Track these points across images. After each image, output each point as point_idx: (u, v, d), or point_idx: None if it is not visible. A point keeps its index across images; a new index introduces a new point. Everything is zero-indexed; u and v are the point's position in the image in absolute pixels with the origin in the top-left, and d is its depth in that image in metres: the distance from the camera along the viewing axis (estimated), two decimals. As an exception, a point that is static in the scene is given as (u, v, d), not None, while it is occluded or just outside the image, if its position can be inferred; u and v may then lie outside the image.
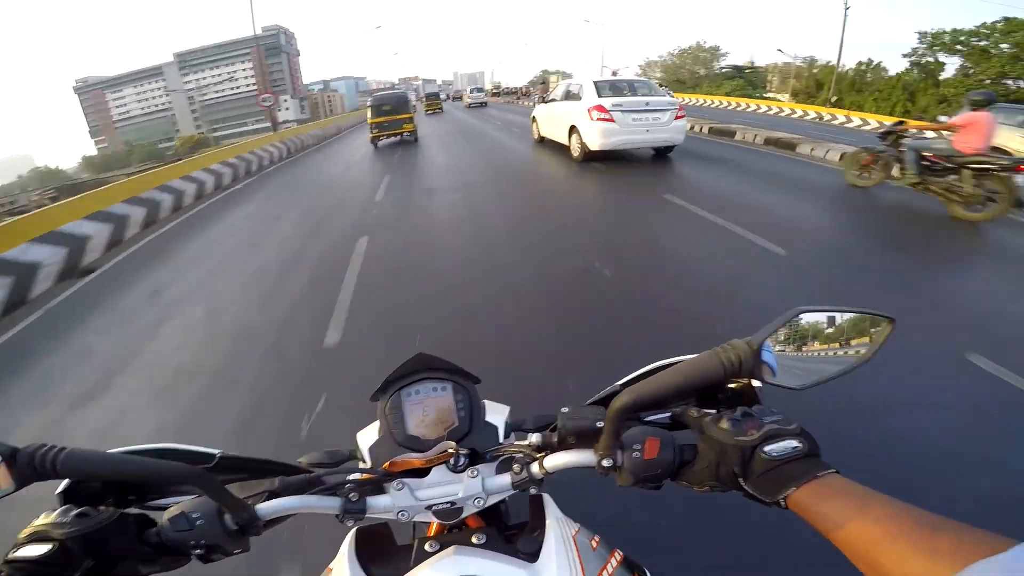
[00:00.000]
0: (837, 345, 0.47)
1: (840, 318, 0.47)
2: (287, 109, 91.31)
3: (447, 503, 0.54)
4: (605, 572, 0.51)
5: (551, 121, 9.19)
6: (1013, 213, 4.26)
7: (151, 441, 0.54)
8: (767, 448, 0.42)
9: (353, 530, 0.57)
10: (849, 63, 33.13)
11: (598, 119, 7.23)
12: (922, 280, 3.38)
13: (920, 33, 26.44)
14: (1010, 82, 22.59)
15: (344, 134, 20.13)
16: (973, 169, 4.31)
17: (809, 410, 0.64)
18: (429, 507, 0.54)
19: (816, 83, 34.59)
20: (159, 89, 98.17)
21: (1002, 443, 1.90)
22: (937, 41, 26.01)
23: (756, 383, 0.49)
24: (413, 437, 0.57)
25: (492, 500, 0.55)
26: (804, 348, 0.46)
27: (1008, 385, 2.19)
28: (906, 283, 3.29)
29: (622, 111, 7.19)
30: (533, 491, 0.54)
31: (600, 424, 0.49)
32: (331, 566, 0.55)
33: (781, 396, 0.43)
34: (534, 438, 0.54)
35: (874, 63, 32.45)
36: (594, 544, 0.55)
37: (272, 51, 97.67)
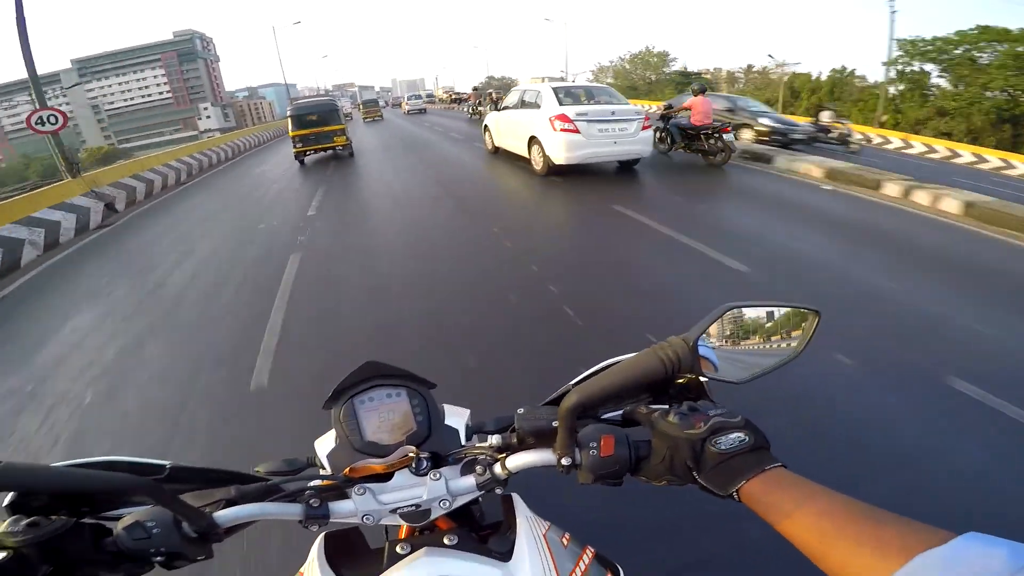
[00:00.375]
0: (770, 339, 0.52)
1: (769, 313, 0.52)
2: (208, 118, 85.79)
3: (412, 506, 0.55)
4: (578, 569, 0.54)
5: (507, 131, 8.49)
6: (736, 158, 7.98)
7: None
8: (716, 441, 0.44)
9: (322, 535, 0.59)
10: (823, 70, 33.31)
11: (561, 129, 6.61)
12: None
13: (899, 40, 25.43)
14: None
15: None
16: (705, 134, 7.51)
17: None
18: (395, 510, 0.55)
19: (791, 91, 34.07)
20: (56, 98, 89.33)
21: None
22: (916, 50, 25.56)
23: (703, 378, 0.51)
24: (372, 443, 0.58)
25: (459, 502, 0.56)
26: (740, 343, 0.51)
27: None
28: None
29: (587, 121, 6.61)
30: (499, 491, 0.56)
31: (555, 424, 0.51)
32: (302, 570, 0.57)
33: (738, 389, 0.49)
34: (494, 439, 0.57)
35: (848, 71, 32.72)
36: (565, 541, 0.58)
37: (187, 57, 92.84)
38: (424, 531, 0.61)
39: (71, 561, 0.45)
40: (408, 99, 36.72)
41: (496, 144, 9.43)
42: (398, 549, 0.55)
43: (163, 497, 0.44)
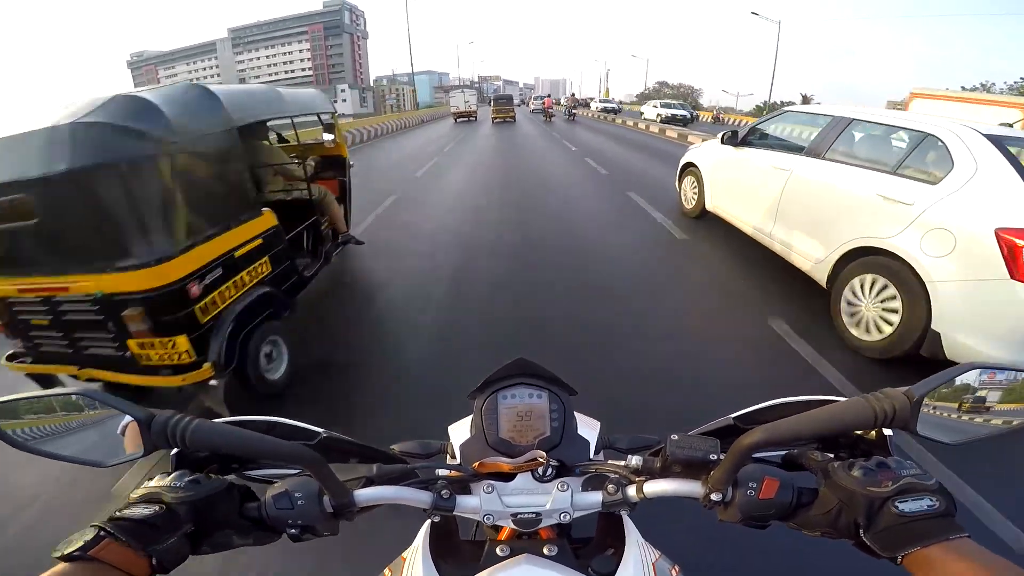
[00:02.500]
0: (1000, 406, 0.51)
1: (1011, 377, 0.51)
2: (343, 101, 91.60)
3: (532, 513, 0.61)
4: None
5: (760, 197, 4.40)
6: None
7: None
8: (900, 503, 0.46)
9: (428, 522, 0.68)
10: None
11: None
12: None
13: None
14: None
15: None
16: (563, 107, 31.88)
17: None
18: (515, 514, 0.61)
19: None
20: (212, 68, 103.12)
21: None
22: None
23: (888, 432, 0.56)
24: (504, 441, 0.66)
25: (577, 515, 0.62)
26: (963, 401, 0.50)
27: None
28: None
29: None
30: (625, 512, 0.64)
31: (713, 457, 0.54)
32: (404, 555, 0.66)
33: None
34: (634, 460, 0.60)
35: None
36: (674, 573, 0.63)
37: (333, 30, 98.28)
38: (523, 536, 0.66)
39: (212, 523, 0.54)
40: (534, 99, 53.62)
41: (712, 204, 5.52)
42: (498, 550, 0.62)
43: (320, 469, 0.52)
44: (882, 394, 0.48)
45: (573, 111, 30.54)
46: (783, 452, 0.62)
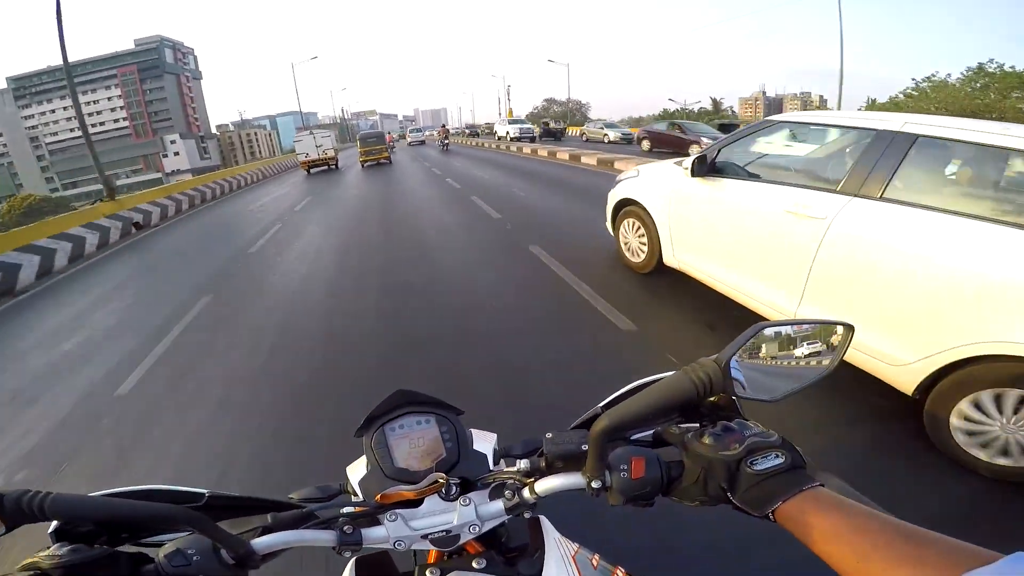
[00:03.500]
0: (800, 355, 0.60)
1: (799, 330, 0.61)
2: (175, 154, 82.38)
3: (442, 531, 0.67)
4: None
5: (814, 277, 2.83)
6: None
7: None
8: (753, 462, 0.52)
9: (352, 560, 0.72)
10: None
11: None
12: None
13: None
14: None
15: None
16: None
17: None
18: (425, 536, 0.67)
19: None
20: None
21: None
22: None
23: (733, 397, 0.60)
24: (402, 469, 0.70)
25: (488, 526, 0.69)
26: (771, 362, 0.59)
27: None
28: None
29: None
30: (528, 514, 0.68)
31: (585, 447, 0.61)
32: None
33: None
34: (522, 464, 0.68)
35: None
36: (594, 563, 0.71)
37: (151, 71, 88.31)
38: (452, 555, 0.72)
39: None
40: (410, 132, 52.62)
41: (676, 259, 4.19)
42: (428, 573, 0.67)
43: (205, 526, 0.54)
44: (698, 364, 0.55)
45: (445, 141, 33.90)
46: (651, 431, 0.68)
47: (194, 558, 0.56)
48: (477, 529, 0.68)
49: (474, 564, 0.68)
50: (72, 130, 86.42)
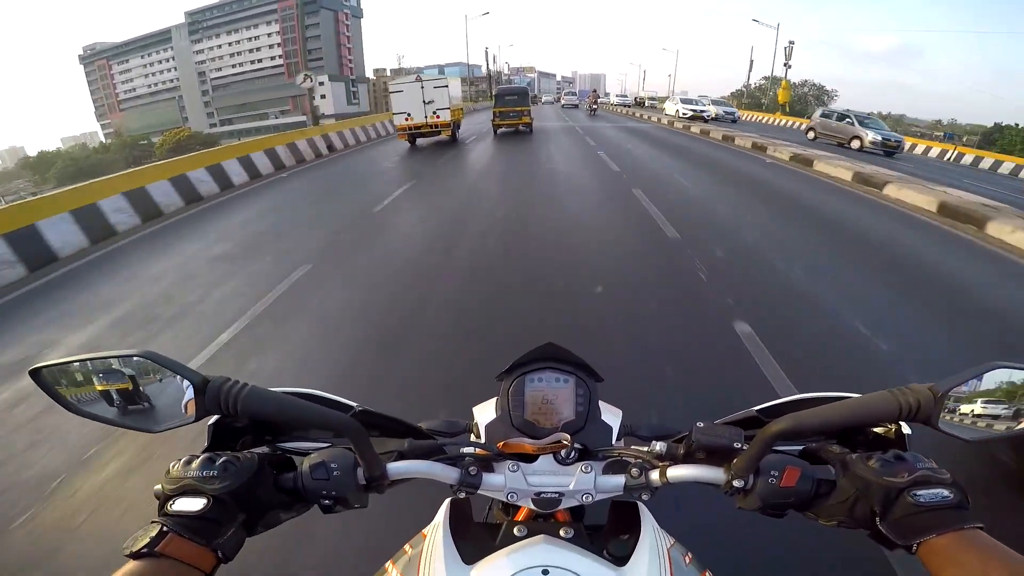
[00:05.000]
0: (1020, 404, 0.59)
1: None
2: (321, 97, 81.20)
3: (555, 493, 0.72)
4: None
5: None
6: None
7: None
8: (916, 493, 0.55)
9: (448, 500, 0.79)
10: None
11: None
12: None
13: None
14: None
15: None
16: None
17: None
18: (538, 493, 0.72)
19: None
20: (168, 60, 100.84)
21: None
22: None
23: (907, 430, 0.67)
24: (528, 423, 0.78)
25: (599, 498, 0.73)
26: (985, 400, 0.59)
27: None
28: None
29: None
30: (645, 497, 0.72)
31: (738, 445, 0.65)
32: (424, 532, 0.76)
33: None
34: (659, 446, 0.72)
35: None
36: (687, 560, 0.73)
37: (310, 6, 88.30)
38: (539, 518, 0.79)
39: (258, 505, 0.63)
40: (565, 95, 57.59)
41: None
42: (515, 531, 0.73)
43: (360, 439, 0.63)
44: (908, 389, 0.58)
45: (594, 107, 39.81)
46: (801, 446, 0.73)
47: (335, 472, 0.64)
48: (589, 499, 0.72)
49: (561, 532, 0.72)
50: (234, 67, 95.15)
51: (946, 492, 0.54)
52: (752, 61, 56.85)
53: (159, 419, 0.62)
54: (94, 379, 0.61)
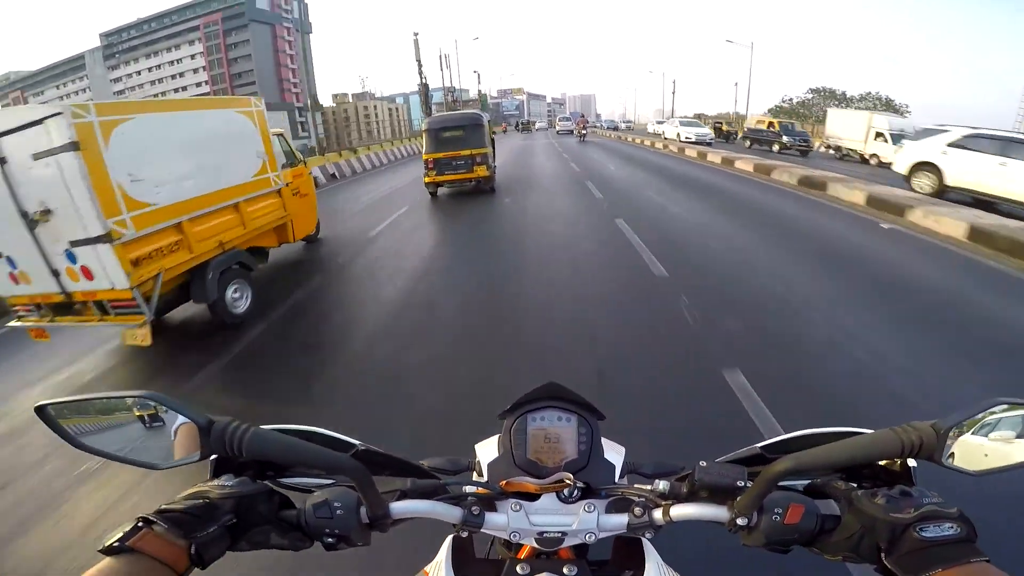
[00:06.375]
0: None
1: None
2: None
3: (559, 532, 0.73)
4: None
5: None
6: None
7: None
8: (922, 528, 0.55)
9: (450, 537, 0.81)
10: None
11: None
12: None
13: None
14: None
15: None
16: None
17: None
18: (541, 533, 0.73)
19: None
20: (83, 91, 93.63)
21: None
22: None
23: (912, 463, 0.67)
24: (531, 462, 0.78)
25: (601, 536, 0.74)
26: (988, 436, 0.61)
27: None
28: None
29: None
30: (648, 535, 0.72)
31: (741, 484, 0.65)
32: (427, 569, 0.79)
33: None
34: (662, 484, 0.72)
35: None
36: None
37: (236, 22, 77.21)
38: (542, 555, 0.78)
39: (252, 520, 0.65)
40: (559, 120, 56.40)
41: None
42: (518, 569, 0.73)
43: (363, 480, 0.63)
44: (910, 427, 0.59)
45: (583, 132, 40.55)
46: (806, 481, 0.73)
47: (337, 511, 0.65)
48: (592, 537, 0.73)
49: (565, 570, 0.73)
50: (156, 95, 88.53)
51: (952, 526, 0.55)
52: (737, 84, 59.75)
53: (164, 457, 0.64)
54: (100, 418, 0.65)
